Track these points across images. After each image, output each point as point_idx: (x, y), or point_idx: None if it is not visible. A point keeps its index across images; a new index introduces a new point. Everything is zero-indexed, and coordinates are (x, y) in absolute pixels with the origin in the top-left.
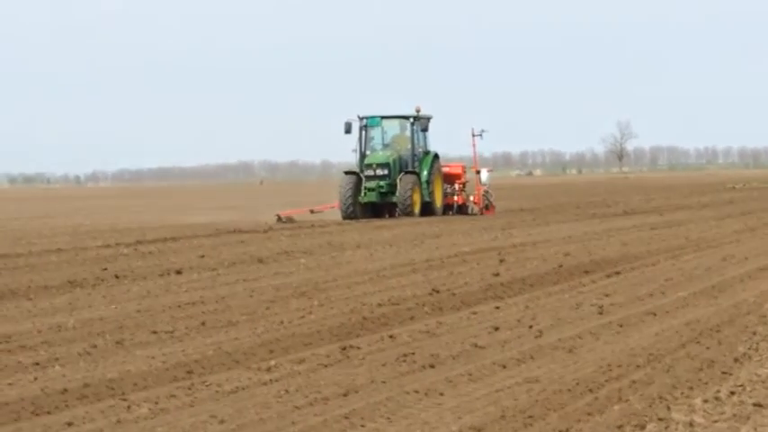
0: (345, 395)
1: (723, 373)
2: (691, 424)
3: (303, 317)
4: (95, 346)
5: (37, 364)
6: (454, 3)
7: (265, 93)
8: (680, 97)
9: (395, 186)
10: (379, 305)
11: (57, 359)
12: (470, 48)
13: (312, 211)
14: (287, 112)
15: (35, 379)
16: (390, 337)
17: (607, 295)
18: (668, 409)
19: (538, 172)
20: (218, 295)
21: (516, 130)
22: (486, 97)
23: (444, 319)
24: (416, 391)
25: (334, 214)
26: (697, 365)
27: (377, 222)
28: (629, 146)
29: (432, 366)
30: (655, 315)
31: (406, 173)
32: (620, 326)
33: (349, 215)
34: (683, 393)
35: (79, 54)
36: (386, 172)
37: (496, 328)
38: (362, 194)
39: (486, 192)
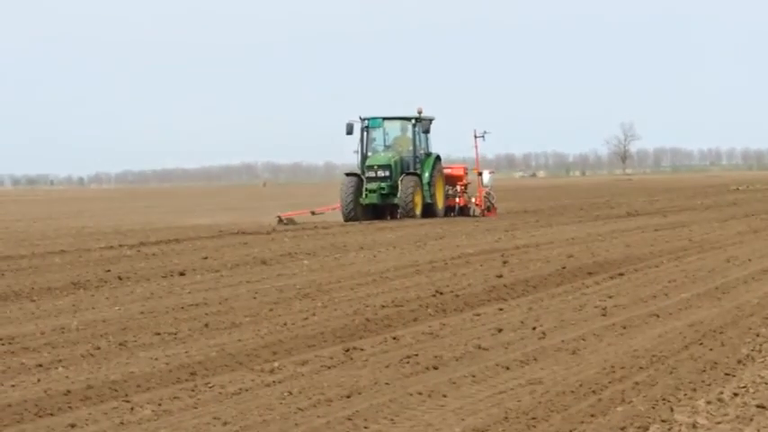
0: (349, 397)
1: (726, 374)
2: (694, 425)
3: (306, 318)
4: (99, 348)
5: (40, 365)
6: (456, 3)
7: (268, 94)
8: (683, 99)
9: (396, 188)
10: (383, 307)
11: (60, 361)
12: (473, 49)
13: (313, 213)
14: (290, 113)
15: (38, 380)
16: (394, 338)
17: (610, 297)
18: (671, 410)
19: (541, 173)
20: (222, 297)
21: (519, 131)
22: (489, 99)
23: (448, 320)
24: (420, 393)
25: (335, 216)
26: (700, 367)
27: (380, 224)
28: (633, 147)
29: (435, 368)
30: (658, 316)
31: (408, 174)
32: (624, 327)
33: (350, 217)
34: (686, 395)
35: (81, 55)
36: (387, 173)
37: (500, 330)
38: (364, 196)
39: (488, 193)
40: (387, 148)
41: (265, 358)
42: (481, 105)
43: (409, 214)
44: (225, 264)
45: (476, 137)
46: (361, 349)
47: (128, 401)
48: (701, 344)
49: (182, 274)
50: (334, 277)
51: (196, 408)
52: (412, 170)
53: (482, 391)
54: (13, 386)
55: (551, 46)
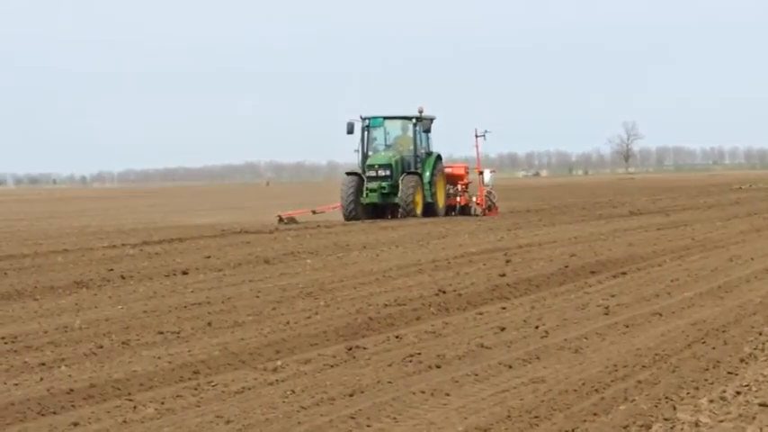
0: (351, 395)
1: (729, 373)
2: (696, 424)
3: (309, 317)
4: (101, 347)
5: (43, 364)
6: (459, 2)
7: (271, 94)
8: (686, 98)
9: (397, 187)
10: (386, 305)
11: (63, 359)
12: (476, 48)
13: (314, 212)
14: (293, 112)
15: (41, 379)
16: (396, 337)
17: (613, 296)
18: (674, 409)
19: (544, 173)
20: (225, 296)
21: (522, 130)
22: (491, 98)
23: (450, 319)
24: (422, 392)
25: (336, 215)
26: (703, 365)
27: (383, 223)
28: (636, 146)
29: (438, 367)
30: (661, 315)
31: (409, 174)
32: (627, 326)
33: (351, 216)
34: (688, 393)
35: (83, 54)
36: (388, 173)
37: (502, 329)
38: (364, 195)
39: (489, 192)
40: (387, 147)
41: (268, 357)
42: (484, 104)
43: (410, 214)
44: (228, 263)
45: (476, 136)
46: (364, 348)
47: (131, 400)
48: (704, 342)
49: (185, 273)
50: (337, 276)
51: (199, 406)
52: (413, 169)
53: (485, 390)
54: (16, 385)
55: (554, 45)
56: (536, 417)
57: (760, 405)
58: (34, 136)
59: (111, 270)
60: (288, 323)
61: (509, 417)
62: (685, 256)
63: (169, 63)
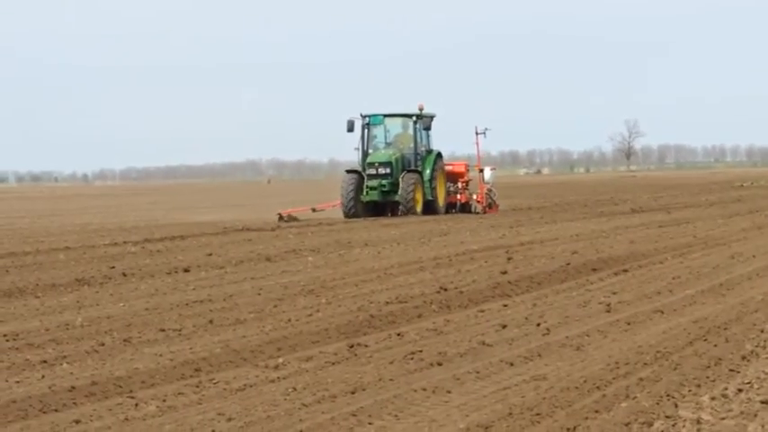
0: (353, 393)
1: (731, 370)
2: (698, 421)
3: (311, 315)
4: (103, 344)
5: (45, 361)
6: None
7: (273, 91)
8: (688, 96)
9: (397, 185)
10: (387, 303)
11: (64, 357)
12: (477, 45)
13: (314, 210)
14: (294, 110)
15: (43, 377)
16: (398, 334)
17: (615, 293)
18: (676, 406)
19: (545, 170)
20: (226, 293)
21: (524, 128)
22: (493, 96)
23: (452, 316)
24: (424, 389)
25: (336, 213)
26: (704, 363)
27: (384, 220)
28: (637, 144)
29: (439, 364)
30: (662, 313)
31: (409, 171)
32: (628, 323)
33: (351, 214)
34: (690, 391)
35: (84, 50)
36: (388, 171)
37: (504, 326)
38: (364, 193)
39: (490, 190)
40: (388, 145)
41: (270, 354)
42: (485, 102)
43: (410, 211)
44: (229, 260)
45: (477, 133)
46: (366, 345)
47: (132, 397)
48: (706, 340)
49: (186, 270)
50: (339, 274)
51: (200, 404)
52: (413, 167)
53: (486, 387)
54: (17, 382)
55: (555, 42)
56: (537, 414)
57: (762, 402)
58: (36, 133)
59: (113, 267)
60: (289, 320)
61: (510, 414)
62: (687, 253)
63: (171, 60)
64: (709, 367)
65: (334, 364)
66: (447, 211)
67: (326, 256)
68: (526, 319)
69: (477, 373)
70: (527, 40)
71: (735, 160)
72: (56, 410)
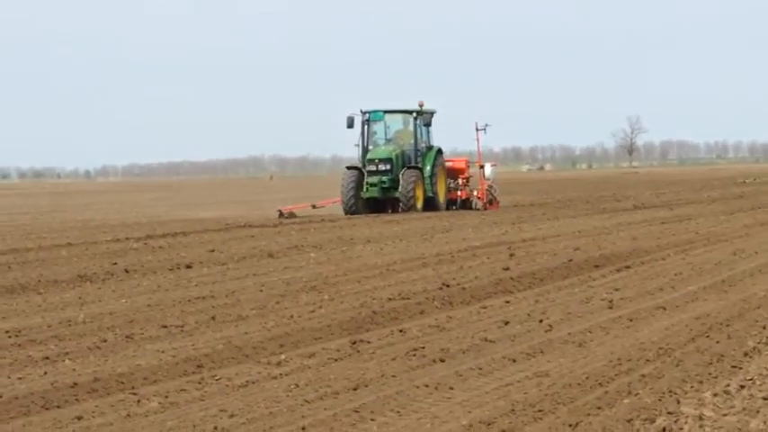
0: (355, 389)
1: (733, 366)
2: (700, 417)
3: (313, 311)
4: (105, 341)
5: (47, 358)
6: None
7: (275, 87)
8: (690, 92)
9: (397, 181)
10: (389, 299)
11: (67, 353)
12: (480, 42)
13: (314, 206)
14: (297, 106)
15: (45, 373)
16: (400, 331)
17: (617, 289)
18: (678, 402)
19: (548, 166)
20: (228, 290)
21: (526, 124)
22: (495, 92)
23: (454, 313)
24: (426, 386)
25: (336, 209)
26: (707, 359)
27: (386, 217)
28: (640, 140)
29: (442, 360)
30: (664, 309)
31: (409, 168)
32: (630, 320)
33: (351, 210)
34: (692, 387)
35: (87, 48)
36: (388, 167)
37: (506, 323)
38: (364, 189)
39: (490, 186)
40: (388, 141)
41: (272, 351)
42: (487, 98)
43: (410, 208)
44: (232, 257)
45: (477, 129)
46: (368, 342)
47: (134, 394)
48: (708, 336)
49: (188, 266)
50: (341, 270)
51: (203, 400)
52: (413, 164)
53: (489, 384)
54: (19, 379)
55: (558, 39)
56: (540, 410)
57: (764, 399)
58: (38, 130)
59: (115, 264)
60: (292, 317)
61: (513, 410)
62: (689, 249)
63: (173, 57)
64: (711, 364)
65: (336, 360)
66: (447, 208)
67: (329, 252)
68: (528, 315)
69: (480, 369)
70: (529, 36)
71: (737, 156)
72: (58, 407)
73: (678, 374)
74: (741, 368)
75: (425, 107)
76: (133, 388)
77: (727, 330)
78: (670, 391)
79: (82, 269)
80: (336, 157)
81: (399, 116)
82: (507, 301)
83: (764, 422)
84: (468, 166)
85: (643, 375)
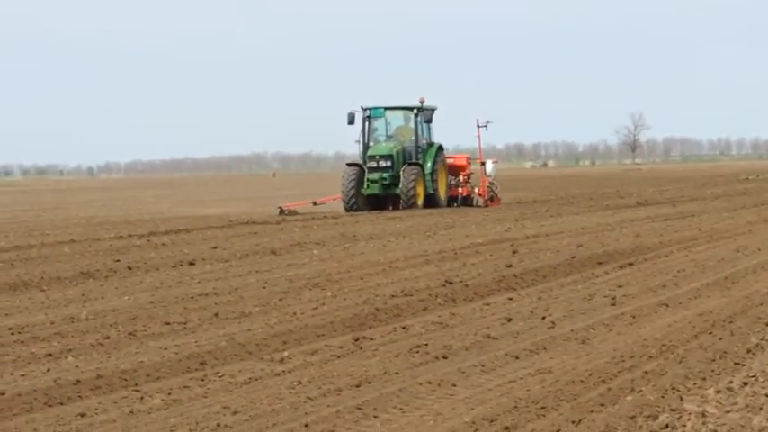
0: (358, 386)
1: (736, 363)
2: (703, 414)
3: (316, 308)
4: (108, 338)
5: (50, 355)
6: None
7: (278, 84)
8: (693, 88)
9: (398, 178)
10: (392, 296)
11: (69, 350)
12: (483, 38)
13: (315, 203)
14: (300, 103)
15: (48, 370)
16: (403, 328)
17: (620, 286)
18: (681, 399)
19: (551, 163)
20: (231, 286)
21: (529, 121)
22: (499, 89)
23: (457, 310)
24: (429, 382)
25: (337, 206)
26: (710, 356)
27: (389, 214)
28: (643, 137)
29: (444, 357)
30: (667, 306)
31: (409, 164)
32: (633, 317)
33: (351, 207)
34: (695, 384)
35: (90, 46)
36: (389, 164)
37: (509, 319)
38: (365, 186)
39: (492, 183)
40: (388, 138)
41: (275, 348)
42: (491, 95)
43: (411, 205)
44: (234, 253)
45: (478, 126)
46: (371, 339)
47: (137, 391)
48: (711, 333)
49: (191, 263)
50: (344, 267)
51: (206, 397)
52: (414, 160)
53: (491, 381)
54: (22, 375)
55: (561, 35)
56: (543, 407)
57: (767, 395)
58: (41, 127)
59: (118, 261)
60: (294, 314)
61: (516, 407)
62: (692, 246)
63: (175, 53)
64: (714, 360)
65: (339, 357)
66: (448, 205)
67: (332, 249)
68: (531, 312)
69: (483, 366)
70: (533, 32)
71: (740, 153)
72: (61, 404)
73: (681, 371)
74: (744, 365)
75: (426, 104)
76: (136, 385)
77: (729, 327)
78: (673, 388)
79: (85, 266)
80: (339, 153)
81: (400, 113)
82: (510, 298)
83: (767, 419)
84: (470, 163)
85: (646, 372)
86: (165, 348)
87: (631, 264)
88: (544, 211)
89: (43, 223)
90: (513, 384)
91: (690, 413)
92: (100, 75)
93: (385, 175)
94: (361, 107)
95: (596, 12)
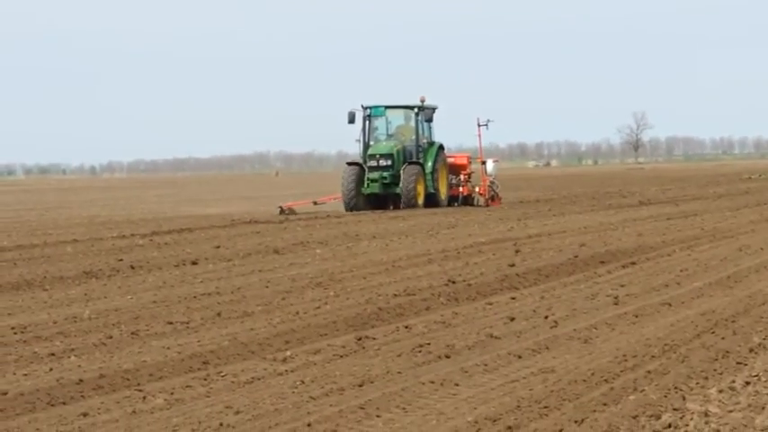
0: (361, 385)
1: (738, 363)
2: (706, 414)
3: (319, 307)
4: (111, 337)
5: (52, 354)
6: None
7: (280, 83)
8: (696, 87)
9: (398, 177)
10: (395, 295)
11: (72, 350)
12: (485, 37)
13: (315, 203)
14: (302, 102)
15: (51, 370)
16: (406, 327)
17: (622, 286)
18: (683, 399)
19: (553, 162)
20: (234, 286)
21: (532, 120)
22: (501, 88)
23: (460, 309)
24: (432, 382)
25: (337, 206)
26: (712, 356)
27: (392, 213)
28: (645, 136)
29: (447, 357)
30: (670, 305)
31: (410, 163)
32: (636, 316)
33: (351, 207)
34: (698, 383)
35: (93, 45)
36: (389, 163)
37: (512, 319)
38: (365, 185)
39: (492, 182)
40: (389, 137)
41: (278, 347)
42: (493, 95)
43: (411, 204)
44: (237, 253)
45: (479, 125)
46: (374, 338)
47: (140, 390)
48: (713, 333)
49: (194, 263)
50: (347, 266)
51: (208, 396)
52: (414, 159)
53: (494, 380)
54: (25, 375)
55: (563, 35)
56: (545, 407)
57: None
58: (44, 126)
59: (121, 260)
60: (297, 313)
61: (518, 407)
62: (695, 245)
63: (178, 53)
64: (716, 360)
65: (342, 356)
66: (449, 204)
67: (334, 248)
68: (534, 311)
69: (485, 365)
70: (535, 31)
71: (743, 152)
72: (63, 403)
73: (684, 371)
74: (746, 364)
75: (427, 102)
76: (139, 384)
77: (732, 326)
78: (675, 388)
79: (87, 265)
80: (342, 152)
81: (401, 112)
82: (513, 298)
83: None
84: (470, 163)
85: (648, 371)
86: (168, 348)
87: (634, 263)
88: (547, 210)
89: (46, 222)
90: (515, 384)
91: (692, 413)
92: (103, 74)
93: (385, 174)
94: (362, 106)
95: (599, 11)
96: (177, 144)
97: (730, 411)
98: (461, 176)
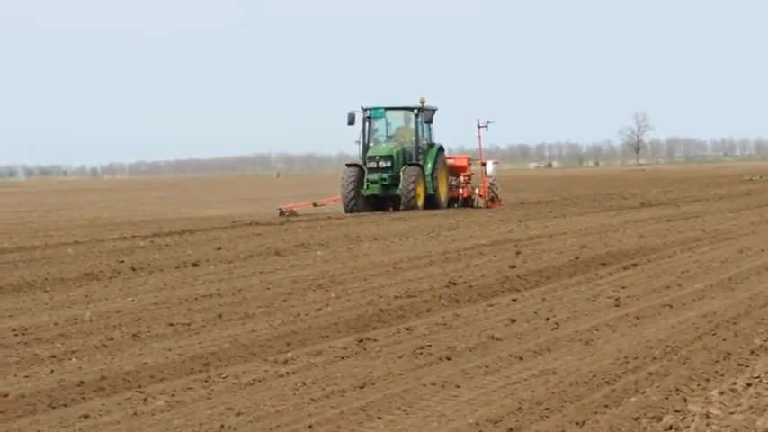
0: (362, 387)
1: (739, 365)
2: (707, 416)
3: (320, 309)
4: (112, 339)
5: (53, 356)
6: None
7: (281, 84)
8: (697, 89)
9: (398, 179)
10: (396, 297)
11: (73, 352)
12: (486, 38)
13: (315, 205)
14: (302, 103)
15: (52, 371)
16: (407, 329)
17: (624, 287)
18: (685, 400)
19: (555, 164)
20: (235, 288)
21: (533, 122)
22: (502, 89)
23: (461, 311)
24: (433, 384)
25: (337, 207)
26: (713, 357)
27: (393, 215)
28: (646, 138)
29: (448, 359)
30: (671, 307)
31: (410, 165)
32: (637, 318)
33: (351, 208)
34: (699, 385)
35: (94, 45)
36: (389, 164)
37: (513, 321)
38: (365, 187)
39: (492, 184)
40: (389, 138)
41: (279, 349)
42: (494, 96)
43: (411, 206)
44: (238, 254)
45: (479, 127)
46: (375, 340)
47: (141, 392)
48: (714, 334)
49: (195, 264)
50: (348, 268)
51: (209, 398)
52: (414, 161)
53: (495, 382)
54: (26, 377)
55: (563, 35)
56: (547, 409)
57: None
58: (45, 127)
59: (122, 262)
60: (298, 315)
61: (520, 409)
62: (696, 247)
63: (179, 54)
64: (718, 362)
65: (343, 358)
66: (449, 206)
67: (335, 250)
68: (535, 313)
69: (487, 367)
70: (536, 32)
71: (744, 154)
72: (64, 405)
73: (685, 372)
74: (748, 366)
75: (426, 104)
76: (140, 386)
77: (733, 328)
78: (677, 390)
79: (89, 267)
80: (343, 154)
81: (400, 113)
82: (514, 299)
83: None
84: (470, 164)
85: (650, 373)
86: (169, 349)
87: (635, 265)
88: (548, 211)
89: (47, 224)
90: (516, 385)
91: (694, 414)
92: (104, 75)
93: (385, 175)
94: (362, 107)
95: (600, 11)
96: (178, 145)
97: (731, 413)
98: (461, 178)
